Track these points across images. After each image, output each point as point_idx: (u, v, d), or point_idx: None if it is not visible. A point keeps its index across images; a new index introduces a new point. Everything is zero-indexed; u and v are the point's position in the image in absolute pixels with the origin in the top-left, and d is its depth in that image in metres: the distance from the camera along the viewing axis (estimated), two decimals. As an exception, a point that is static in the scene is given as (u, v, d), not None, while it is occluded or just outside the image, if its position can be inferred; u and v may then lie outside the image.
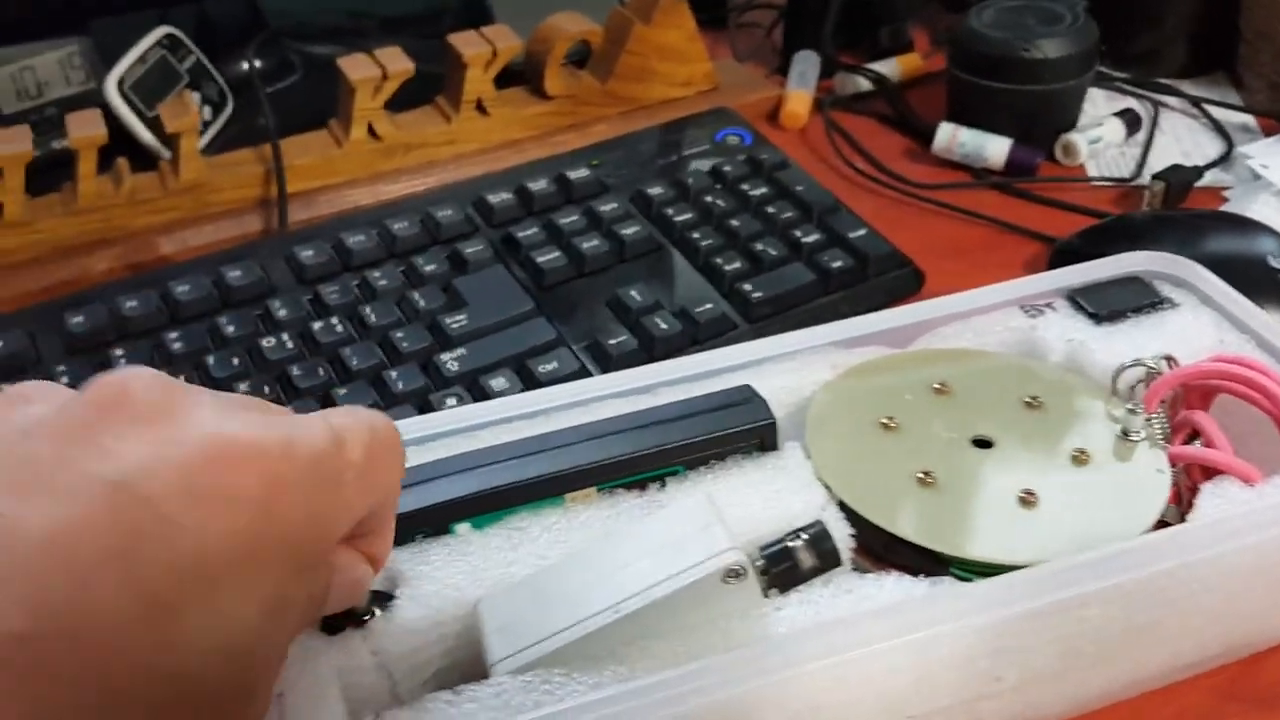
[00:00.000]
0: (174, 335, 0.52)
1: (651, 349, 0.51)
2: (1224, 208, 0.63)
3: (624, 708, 0.30)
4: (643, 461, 0.38)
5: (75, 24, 0.69)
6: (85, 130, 0.58)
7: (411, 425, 0.40)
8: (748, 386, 0.41)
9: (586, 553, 0.35)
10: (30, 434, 0.22)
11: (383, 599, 0.34)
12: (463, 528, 0.37)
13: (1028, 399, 0.41)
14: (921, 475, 0.38)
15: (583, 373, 0.50)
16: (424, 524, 0.36)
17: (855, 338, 0.44)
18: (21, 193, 0.58)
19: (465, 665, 0.35)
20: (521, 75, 0.69)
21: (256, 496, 0.23)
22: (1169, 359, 0.42)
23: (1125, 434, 0.40)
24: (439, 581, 0.35)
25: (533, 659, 0.32)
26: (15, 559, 0.20)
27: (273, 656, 0.25)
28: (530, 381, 0.49)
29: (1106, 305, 0.44)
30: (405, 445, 0.39)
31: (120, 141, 0.62)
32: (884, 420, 0.41)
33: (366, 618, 0.34)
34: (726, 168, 0.62)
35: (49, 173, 0.61)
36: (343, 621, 0.33)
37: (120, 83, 0.64)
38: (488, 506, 0.37)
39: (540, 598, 0.34)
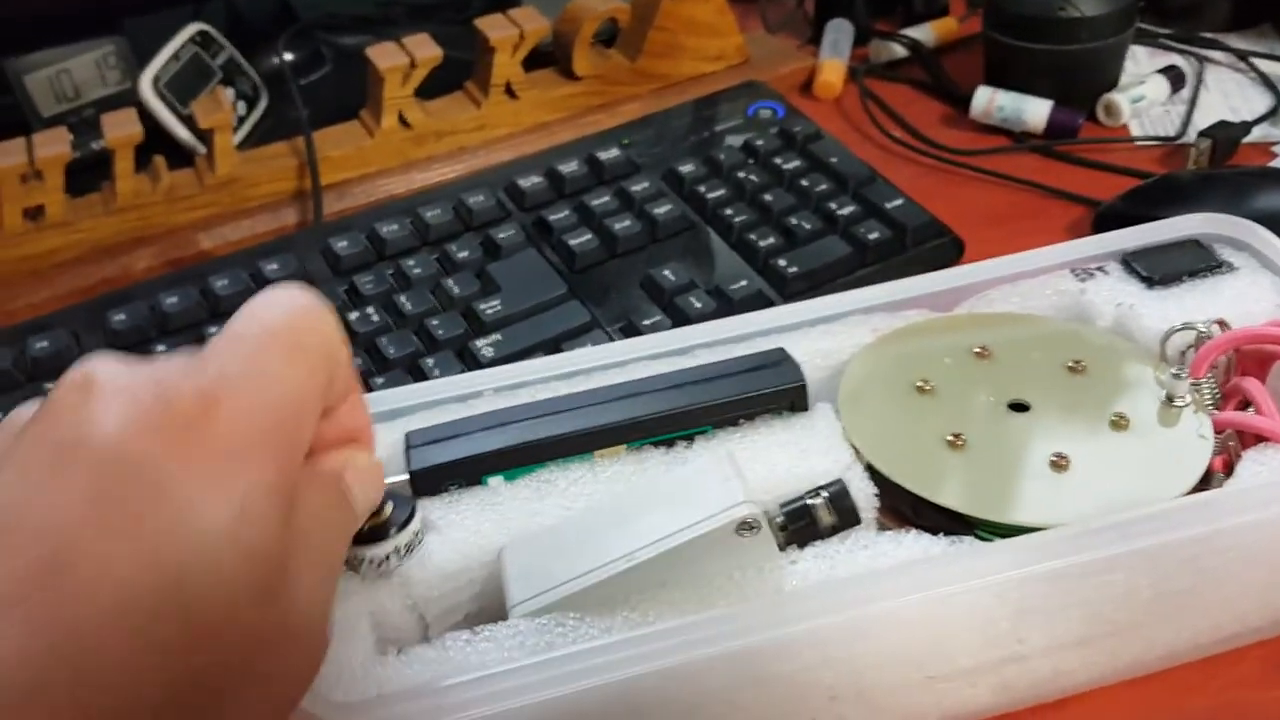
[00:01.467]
0: (214, 330, 0.52)
1: (687, 328, 0.51)
2: (1274, 164, 0.61)
3: (633, 653, 0.30)
4: (671, 420, 0.39)
5: (109, 24, 0.70)
6: (121, 130, 0.58)
7: (452, 383, 0.41)
8: (780, 349, 0.41)
9: (608, 504, 0.36)
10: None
11: (402, 511, 0.35)
12: (495, 480, 0.38)
13: (1071, 363, 0.40)
14: (951, 438, 0.38)
15: (618, 354, 0.50)
16: (458, 475, 0.38)
17: (899, 301, 0.43)
18: (62, 193, 0.59)
19: (492, 609, 0.36)
20: (550, 57, 0.69)
21: (199, 416, 0.24)
22: (1220, 323, 0.41)
23: (1170, 399, 0.39)
24: (468, 529, 0.36)
25: (549, 603, 0.33)
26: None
27: (304, 565, 0.26)
28: (565, 365, 0.49)
29: (1160, 269, 0.43)
30: (446, 403, 0.40)
31: (157, 139, 0.63)
32: (919, 383, 0.40)
33: (394, 528, 0.34)
34: (759, 142, 0.61)
35: (89, 173, 0.62)
36: (376, 533, 0.34)
37: (155, 81, 0.64)
38: (519, 460, 0.38)
39: (561, 545, 0.35)
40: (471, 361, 0.50)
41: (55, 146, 0.57)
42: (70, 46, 0.69)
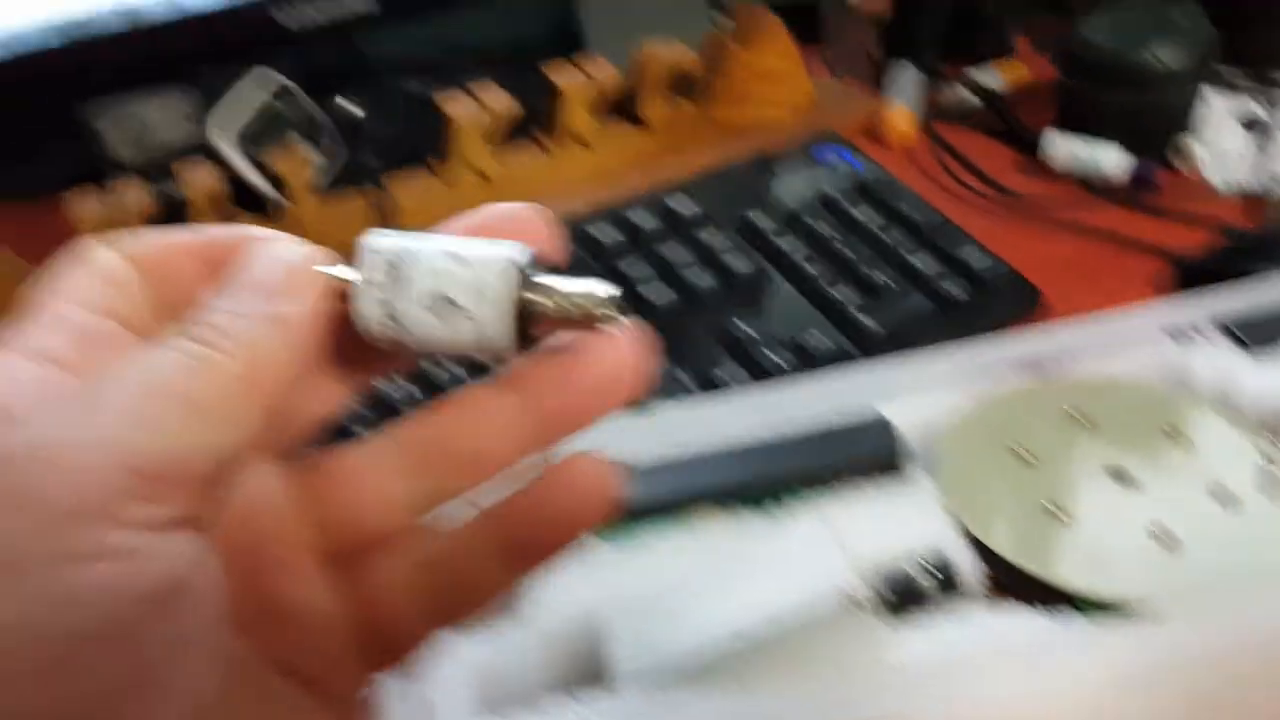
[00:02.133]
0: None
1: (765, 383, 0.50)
2: (1361, 215, 0.60)
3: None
4: (767, 484, 0.39)
5: (185, 74, 0.71)
6: (199, 180, 0.59)
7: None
8: (875, 411, 0.41)
9: (709, 570, 0.36)
10: None
11: None
12: (590, 539, 0.38)
13: (1170, 431, 0.40)
14: (1052, 507, 0.37)
15: (699, 411, 0.49)
16: None
17: (992, 362, 0.43)
18: (142, 244, 0.59)
19: (589, 672, 0.35)
20: (620, 105, 0.69)
21: None
22: (1324, 391, 0.40)
23: (1274, 471, 0.38)
24: (565, 589, 0.36)
25: (653, 669, 0.33)
26: None
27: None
28: (647, 421, 0.49)
29: (1260, 334, 0.42)
30: None
31: (232, 188, 0.63)
32: (1016, 449, 0.40)
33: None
34: (832, 192, 0.61)
35: (162, 219, 0.63)
36: None
37: (230, 130, 0.65)
38: (615, 521, 0.38)
39: (663, 610, 0.35)
40: (552, 417, 0.49)
41: (137, 197, 0.58)
42: (146, 94, 0.70)
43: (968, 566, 0.36)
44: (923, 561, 0.35)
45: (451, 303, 0.22)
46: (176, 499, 0.19)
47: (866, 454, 0.39)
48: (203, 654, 0.20)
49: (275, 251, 0.22)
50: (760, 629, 0.33)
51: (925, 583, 0.35)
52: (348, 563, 0.23)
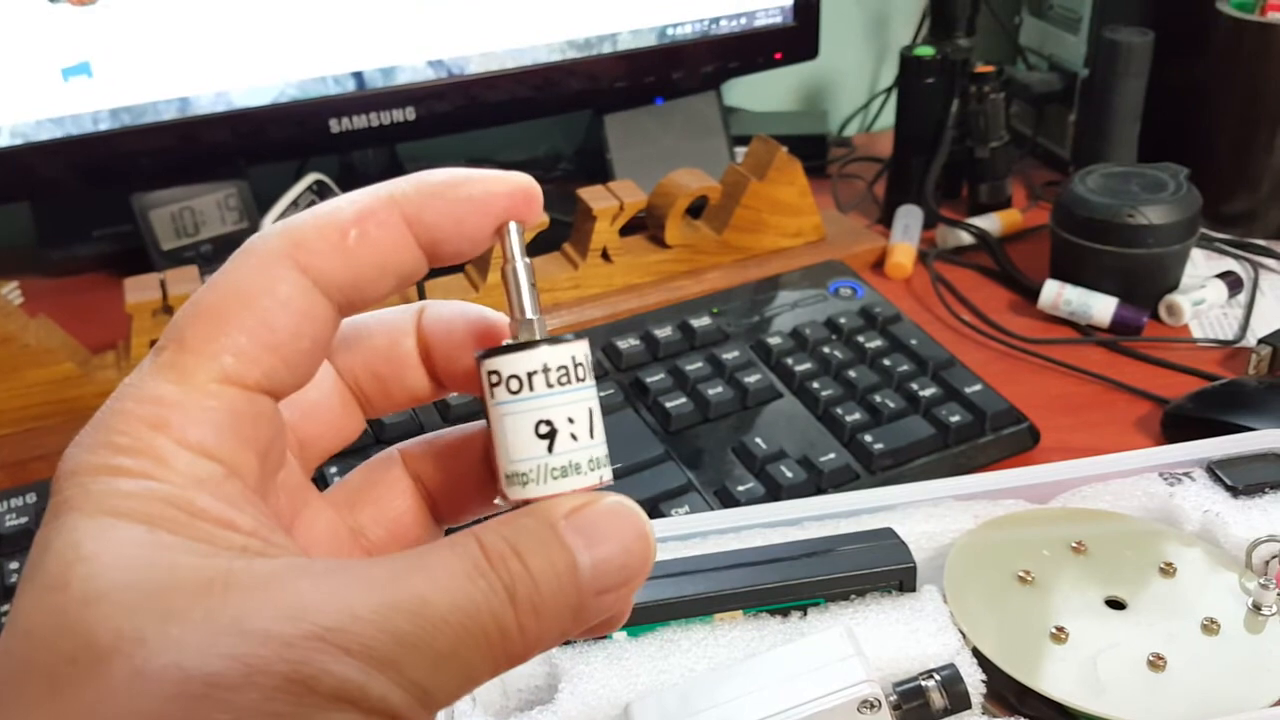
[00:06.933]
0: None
1: (778, 497, 0.53)
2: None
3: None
4: (788, 591, 0.41)
5: (232, 169, 0.75)
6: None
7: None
8: (889, 529, 0.43)
9: (733, 669, 0.38)
10: None
11: None
12: (620, 635, 0.41)
13: (1162, 565, 0.43)
14: (1055, 630, 0.40)
15: (715, 519, 0.52)
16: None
17: (996, 490, 0.46)
18: (187, 328, 0.62)
19: None
20: (641, 224, 0.73)
21: None
22: (1302, 536, 0.43)
23: (1257, 608, 0.41)
24: (596, 681, 0.39)
25: None
26: None
27: None
28: (666, 526, 0.51)
29: (1244, 479, 0.46)
30: None
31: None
32: (1021, 573, 0.43)
33: None
34: (841, 320, 0.65)
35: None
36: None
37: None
38: (644, 618, 0.41)
39: (688, 705, 0.37)
40: (574, 516, 0.52)
41: (187, 285, 0.61)
42: (195, 186, 0.74)
43: (976, 682, 0.39)
44: (937, 675, 0.38)
45: None
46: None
47: (883, 568, 0.42)
48: None
49: (644, 531, 0.20)
50: (779, 726, 0.35)
51: (938, 695, 0.37)
52: None
